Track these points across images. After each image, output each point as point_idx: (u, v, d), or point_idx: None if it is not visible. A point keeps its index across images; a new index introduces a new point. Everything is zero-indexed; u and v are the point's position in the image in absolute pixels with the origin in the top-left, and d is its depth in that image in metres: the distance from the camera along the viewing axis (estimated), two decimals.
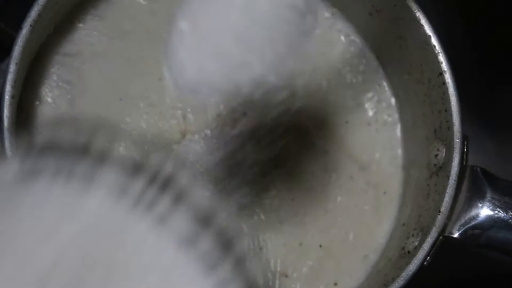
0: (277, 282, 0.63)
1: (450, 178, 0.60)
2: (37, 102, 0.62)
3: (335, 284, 0.64)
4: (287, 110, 0.65)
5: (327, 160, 0.66)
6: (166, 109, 0.64)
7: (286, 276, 0.63)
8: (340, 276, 0.64)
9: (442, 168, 0.61)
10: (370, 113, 0.68)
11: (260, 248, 0.63)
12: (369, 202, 0.66)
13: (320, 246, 0.64)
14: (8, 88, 0.57)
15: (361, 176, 0.67)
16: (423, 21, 0.62)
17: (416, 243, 0.60)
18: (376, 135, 0.68)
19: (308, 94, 0.67)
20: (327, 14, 0.69)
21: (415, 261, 0.58)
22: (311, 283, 0.63)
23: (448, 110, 0.61)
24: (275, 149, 0.66)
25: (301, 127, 0.67)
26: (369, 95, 0.69)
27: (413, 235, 0.62)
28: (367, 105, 0.68)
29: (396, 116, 0.68)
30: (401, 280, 0.58)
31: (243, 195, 0.63)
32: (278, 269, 0.63)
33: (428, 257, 0.58)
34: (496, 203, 0.59)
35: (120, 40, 0.65)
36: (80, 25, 0.65)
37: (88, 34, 0.65)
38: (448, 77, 0.61)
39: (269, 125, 0.66)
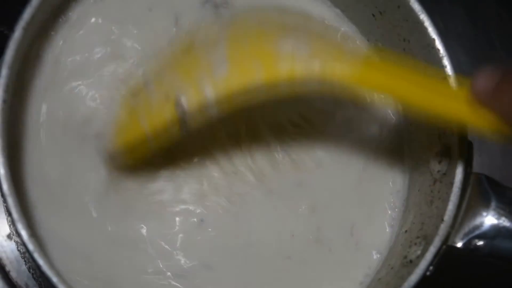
0: None
1: (454, 185, 0.58)
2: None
3: None
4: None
5: (331, 163, 0.65)
6: None
7: None
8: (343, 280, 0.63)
9: (446, 175, 0.60)
10: (374, 115, 0.67)
11: None
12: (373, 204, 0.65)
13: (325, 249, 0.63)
14: (0, 93, 0.55)
15: (365, 178, 0.65)
16: (427, 24, 0.60)
17: (419, 252, 0.59)
18: (379, 137, 0.67)
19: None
20: (329, 15, 0.68)
21: (417, 271, 0.57)
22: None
23: None
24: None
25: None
26: (373, 97, 0.67)
27: (415, 244, 0.60)
28: (370, 107, 0.67)
29: (400, 119, 0.67)
30: None
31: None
32: None
33: (431, 267, 0.57)
34: (501, 212, 0.57)
35: None
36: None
37: None
38: (452, 82, 0.59)
39: None
